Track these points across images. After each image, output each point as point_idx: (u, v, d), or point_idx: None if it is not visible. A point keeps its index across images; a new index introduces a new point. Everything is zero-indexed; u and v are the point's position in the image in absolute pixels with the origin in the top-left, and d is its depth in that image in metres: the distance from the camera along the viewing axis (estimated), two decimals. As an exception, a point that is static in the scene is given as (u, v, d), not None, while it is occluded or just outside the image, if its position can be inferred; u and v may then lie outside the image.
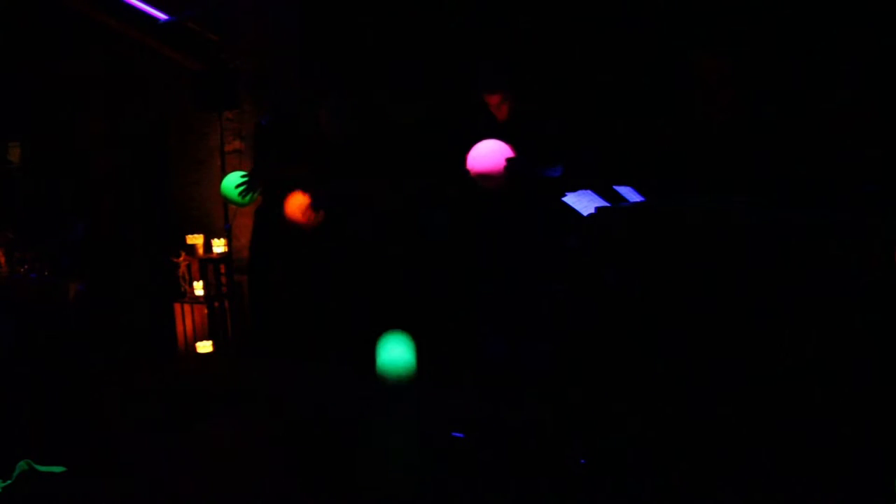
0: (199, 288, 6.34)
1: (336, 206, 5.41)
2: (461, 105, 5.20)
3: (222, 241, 6.36)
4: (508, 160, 4.55)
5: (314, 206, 5.33)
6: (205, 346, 6.19)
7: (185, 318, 6.33)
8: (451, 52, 5.51)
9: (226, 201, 5.88)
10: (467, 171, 4.66)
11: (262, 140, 5.90)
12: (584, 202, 4.15)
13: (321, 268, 5.83)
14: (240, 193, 5.62)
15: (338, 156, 5.59)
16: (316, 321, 5.76)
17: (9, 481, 2.87)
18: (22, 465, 2.90)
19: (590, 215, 4.05)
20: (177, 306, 6.37)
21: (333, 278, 5.67)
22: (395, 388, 4.93)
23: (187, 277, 6.42)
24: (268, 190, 5.77)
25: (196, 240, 6.45)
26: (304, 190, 5.36)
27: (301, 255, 5.87)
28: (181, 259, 6.43)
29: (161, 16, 6.54)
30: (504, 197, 4.88)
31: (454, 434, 4.18)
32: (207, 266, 6.38)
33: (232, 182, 5.70)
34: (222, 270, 6.40)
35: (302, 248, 5.81)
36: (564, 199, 4.19)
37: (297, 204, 5.39)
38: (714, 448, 3.57)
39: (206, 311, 6.27)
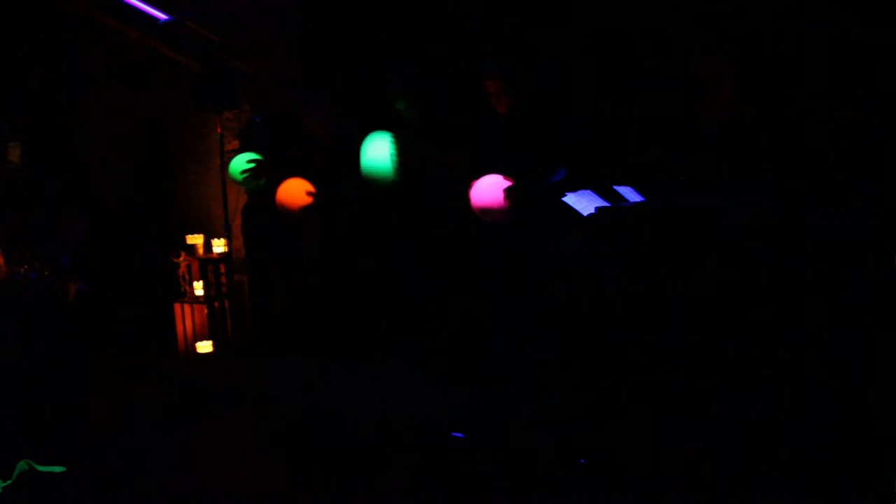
0: (199, 288, 6.34)
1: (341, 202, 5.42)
2: (463, 102, 5.20)
3: (222, 241, 6.36)
4: (507, 189, 4.55)
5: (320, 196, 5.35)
6: (205, 346, 6.19)
7: (185, 318, 6.33)
8: (452, 51, 5.51)
9: (233, 181, 5.87)
10: (470, 206, 4.68)
11: (255, 137, 5.90)
12: (584, 202, 4.15)
13: (322, 266, 5.84)
14: (243, 179, 5.67)
15: (328, 155, 5.59)
16: (315, 320, 5.76)
17: (9, 481, 2.87)
18: (22, 465, 2.90)
19: (590, 215, 4.05)
20: (177, 306, 6.37)
21: (335, 277, 5.67)
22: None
23: (187, 277, 6.42)
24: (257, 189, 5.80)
25: (196, 240, 6.45)
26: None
27: (297, 252, 5.89)
28: (181, 259, 6.43)
29: (161, 16, 6.54)
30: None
31: (454, 434, 4.18)
32: (207, 266, 6.38)
33: (239, 164, 5.71)
34: (222, 270, 6.41)
35: (298, 245, 5.83)
36: (564, 199, 4.19)
37: (289, 190, 5.39)
38: (714, 448, 3.58)
39: (206, 311, 6.27)
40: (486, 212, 4.62)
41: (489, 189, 4.61)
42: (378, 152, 5.01)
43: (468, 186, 4.66)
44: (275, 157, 5.71)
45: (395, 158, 4.96)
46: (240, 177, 5.67)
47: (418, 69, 5.32)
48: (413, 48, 5.71)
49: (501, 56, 4.82)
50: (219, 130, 6.40)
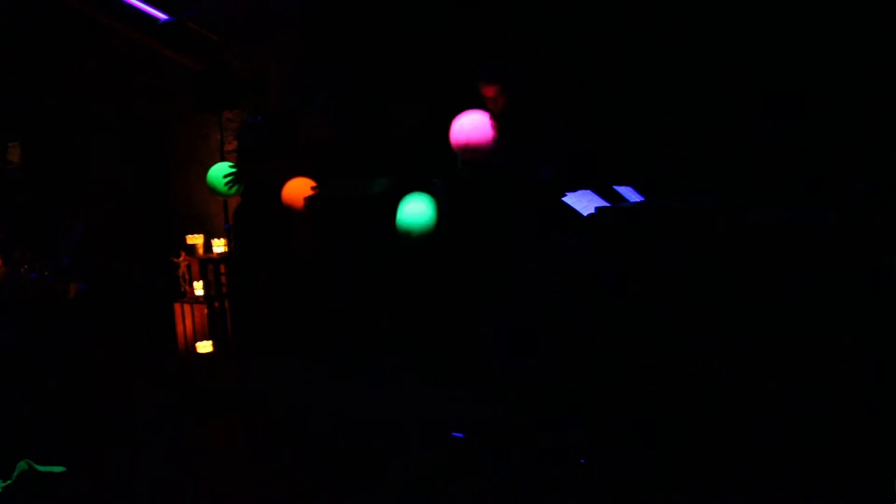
0: (199, 288, 6.34)
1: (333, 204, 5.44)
2: (459, 106, 5.20)
3: (222, 241, 6.36)
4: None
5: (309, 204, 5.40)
6: (205, 346, 6.19)
7: (185, 318, 6.33)
8: (451, 52, 5.51)
9: (211, 191, 5.93)
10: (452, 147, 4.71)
11: (247, 137, 5.91)
12: (584, 202, 4.15)
13: (316, 266, 5.84)
14: (226, 184, 5.76)
15: (327, 155, 5.60)
16: (312, 321, 5.76)
17: (9, 481, 2.87)
18: (22, 465, 2.89)
19: (590, 215, 4.06)
20: (177, 306, 6.37)
21: (330, 277, 5.67)
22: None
23: (187, 277, 6.43)
24: (248, 189, 5.81)
25: (196, 240, 6.46)
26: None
27: (289, 253, 5.91)
28: (181, 259, 6.43)
29: (161, 16, 6.54)
30: (503, 196, 4.89)
31: (454, 434, 4.18)
32: (207, 266, 6.38)
33: (219, 172, 5.78)
34: (222, 270, 6.41)
35: (290, 246, 5.85)
36: (564, 199, 4.19)
37: (294, 189, 5.44)
38: (714, 447, 3.58)
39: (206, 311, 6.28)
40: (466, 149, 4.66)
41: (470, 127, 4.62)
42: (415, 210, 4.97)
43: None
44: (271, 157, 5.73)
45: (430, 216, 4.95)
46: (223, 186, 5.77)
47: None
48: (411, 49, 5.72)
49: (496, 59, 4.82)
50: (219, 130, 6.41)
